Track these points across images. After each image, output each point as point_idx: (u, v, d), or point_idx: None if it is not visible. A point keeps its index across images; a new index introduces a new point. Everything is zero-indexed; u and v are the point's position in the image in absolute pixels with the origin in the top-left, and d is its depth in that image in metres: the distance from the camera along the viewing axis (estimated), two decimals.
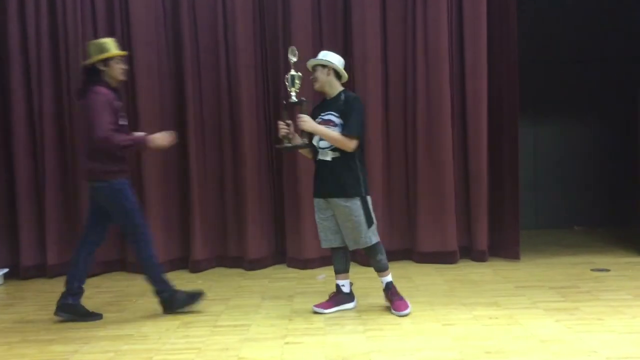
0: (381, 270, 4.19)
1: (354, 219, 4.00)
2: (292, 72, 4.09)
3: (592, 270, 5.14)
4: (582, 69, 6.99)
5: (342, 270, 4.30)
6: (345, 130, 3.96)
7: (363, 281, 5.00)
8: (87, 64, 4.14)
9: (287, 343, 3.65)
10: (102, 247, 5.49)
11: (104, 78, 4.12)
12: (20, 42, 5.46)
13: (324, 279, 5.14)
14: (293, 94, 4.09)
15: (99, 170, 4.10)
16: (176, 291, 4.30)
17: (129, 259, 5.59)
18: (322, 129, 4.00)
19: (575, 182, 7.18)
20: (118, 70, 4.16)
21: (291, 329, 3.89)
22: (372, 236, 4.06)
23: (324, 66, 4.07)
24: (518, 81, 5.47)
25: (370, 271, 5.29)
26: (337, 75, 4.12)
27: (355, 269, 5.40)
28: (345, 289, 4.27)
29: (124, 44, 5.49)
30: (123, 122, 4.17)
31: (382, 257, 4.16)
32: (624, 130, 6.90)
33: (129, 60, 5.46)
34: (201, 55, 5.55)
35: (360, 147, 4.07)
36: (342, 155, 4.01)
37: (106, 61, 4.10)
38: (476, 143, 5.51)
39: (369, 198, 4.07)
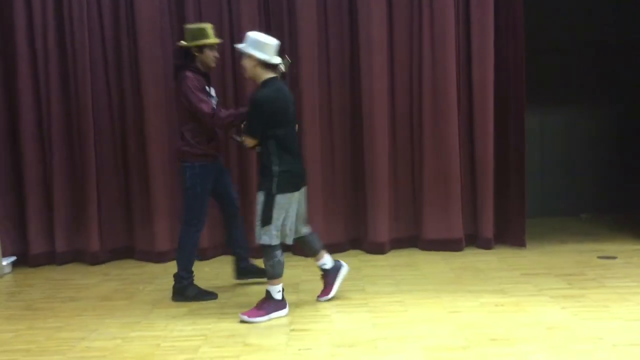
0: (269, 277, 3.94)
1: (257, 210, 3.93)
2: None
3: (598, 257, 5.12)
4: (590, 55, 6.93)
5: (314, 253, 4.23)
6: (243, 128, 4.02)
7: (368, 269, 5.03)
8: (181, 47, 4.25)
9: (293, 330, 3.67)
10: (111, 235, 5.60)
11: (196, 63, 4.24)
12: (26, 32, 5.44)
13: None
14: None
15: (186, 151, 4.24)
16: (192, 284, 4.37)
17: (138, 246, 5.62)
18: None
19: (582, 170, 7.14)
20: (210, 58, 4.27)
21: (297, 316, 3.91)
22: (264, 236, 3.87)
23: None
24: (524, 68, 5.43)
25: (376, 259, 5.35)
26: (266, 64, 3.87)
27: (360, 257, 5.45)
28: (328, 265, 4.22)
29: (128, 32, 5.50)
30: (214, 105, 4.26)
31: (271, 263, 3.90)
32: (632, 117, 6.85)
33: (134, 48, 5.47)
34: None
35: (281, 145, 3.89)
36: (262, 151, 3.94)
37: (201, 47, 4.20)
38: (482, 130, 5.48)
39: (279, 197, 3.84)
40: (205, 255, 5.54)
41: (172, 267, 5.32)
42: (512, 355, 3.17)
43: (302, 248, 4.31)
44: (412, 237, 5.71)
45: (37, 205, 5.57)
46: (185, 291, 4.32)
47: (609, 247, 5.43)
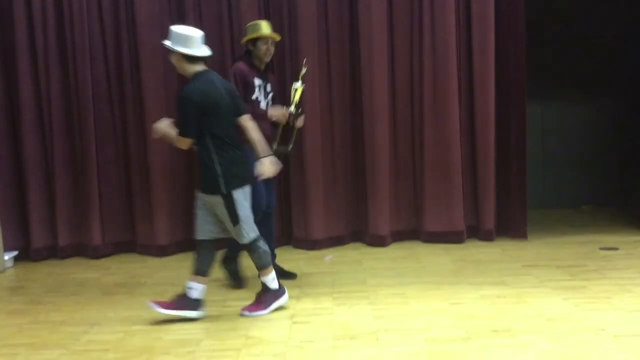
0: (259, 268, 3.88)
1: (222, 214, 3.74)
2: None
3: (600, 249, 5.13)
4: (591, 46, 6.91)
5: (199, 271, 3.82)
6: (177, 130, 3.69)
7: (369, 262, 5.04)
8: (242, 43, 4.42)
9: (294, 323, 3.67)
10: (112, 229, 5.61)
11: (252, 57, 4.36)
12: (26, 26, 5.43)
13: (332, 259, 5.16)
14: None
15: None
16: (237, 261, 4.45)
17: (139, 240, 5.62)
18: (167, 129, 3.78)
19: (583, 161, 7.13)
20: (262, 51, 4.32)
21: (299, 309, 3.91)
22: (242, 235, 3.74)
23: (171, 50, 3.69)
24: (525, 59, 5.42)
25: (377, 252, 5.36)
26: (189, 57, 3.67)
27: (361, 249, 5.46)
28: (195, 295, 3.80)
29: (128, 28, 5.48)
30: (260, 98, 4.34)
31: (256, 255, 3.82)
32: (633, 109, 6.83)
33: (133, 41, 5.45)
34: (206, 36, 5.48)
35: (220, 141, 3.67)
36: (200, 149, 3.71)
37: (254, 41, 4.31)
38: (483, 122, 5.47)
39: (236, 193, 3.67)
40: None
41: (172, 260, 5.40)
42: (513, 347, 3.18)
43: (197, 251, 3.87)
44: (413, 230, 5.71)
45: (38, 200, 5.58)
46: (231, 262, 4.39)
47: (611, 239, 5.43)
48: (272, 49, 4.39)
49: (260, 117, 4.26)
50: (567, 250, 5.13)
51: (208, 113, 3.63)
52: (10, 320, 3.97)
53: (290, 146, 4.44)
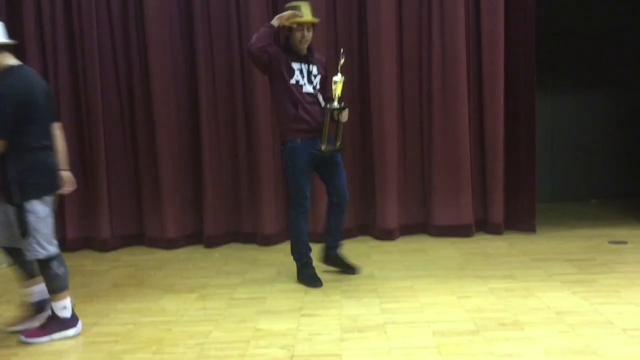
0: (50, 291, 3.41)
1: (14, 222, 3.33)
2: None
3: (609, 242, 5.11)
4: (600, 39, 6.86)
5: (29, 274, 3.56)
6: None
7: (378, 255, 5.04)
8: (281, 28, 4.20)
9: (303, 315, 3.68)
10: (120, 222, 5.63)
11: (290, 43, 4.17)
12: (35, 19, 5.45)
13: None
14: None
15: (281, 130, 4.24)
16: (306, 265, 4.36)
17: (147, 233, 5.65)
18: None
19: (592, 154, 7.11)
20: (297, 38, 4.12)
21: (307, 302, 3.92)
22: (31, 249, 3.31)
23: None
24: (535, 52, 5.39)
25: (385, 245, 5.36)
26: (2, 46, 3.23)
27: (369, 243, 5.46)
28: (36, 298, 3.56)
29: (136, 19, 5.49)
30: (302, 81, 4.16)
31: (49, 275, 3.36)
32: None
33: (142, 34, 5.46)
34: (213, 30, 5.49)
35: (25, 144, 3.23)
36: (4, 152, 3.24)
37: (290, 27, 4.11)
38: (492, 114, 5.46)
39: (31, 204, 3.26)
40: (212, 243, 5.56)
41: (181, 253, 5.40)
42: (521, 340, 3.17)
43: (17, 264, 3.55)
44: (422, 223, 5.70)
45: None
46: (301, 270, 4.34)
47: (620, 232, 5.41)
48: (308, 35, 4.13)
49: (307, 101, 4.15)
50: (576, 243, 5.11)
51: (21, 113, 3.19)
52: (21, 312, 3.99)
53: (338, 143, 4.27)
